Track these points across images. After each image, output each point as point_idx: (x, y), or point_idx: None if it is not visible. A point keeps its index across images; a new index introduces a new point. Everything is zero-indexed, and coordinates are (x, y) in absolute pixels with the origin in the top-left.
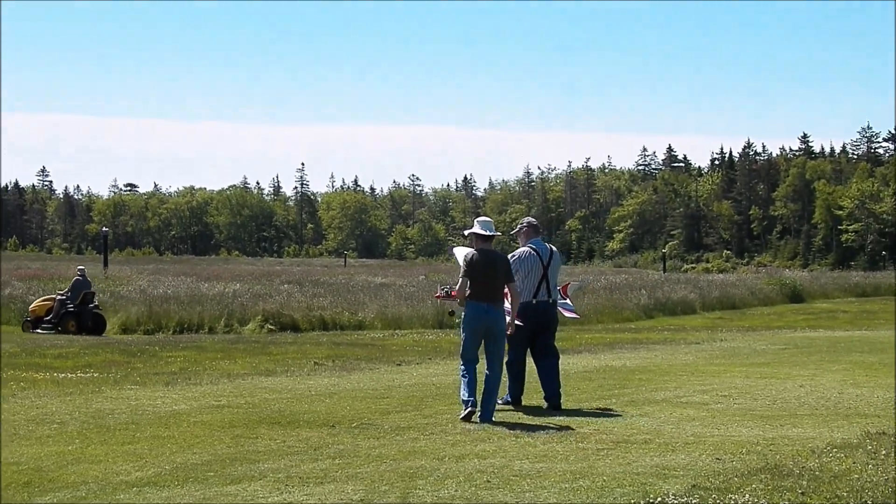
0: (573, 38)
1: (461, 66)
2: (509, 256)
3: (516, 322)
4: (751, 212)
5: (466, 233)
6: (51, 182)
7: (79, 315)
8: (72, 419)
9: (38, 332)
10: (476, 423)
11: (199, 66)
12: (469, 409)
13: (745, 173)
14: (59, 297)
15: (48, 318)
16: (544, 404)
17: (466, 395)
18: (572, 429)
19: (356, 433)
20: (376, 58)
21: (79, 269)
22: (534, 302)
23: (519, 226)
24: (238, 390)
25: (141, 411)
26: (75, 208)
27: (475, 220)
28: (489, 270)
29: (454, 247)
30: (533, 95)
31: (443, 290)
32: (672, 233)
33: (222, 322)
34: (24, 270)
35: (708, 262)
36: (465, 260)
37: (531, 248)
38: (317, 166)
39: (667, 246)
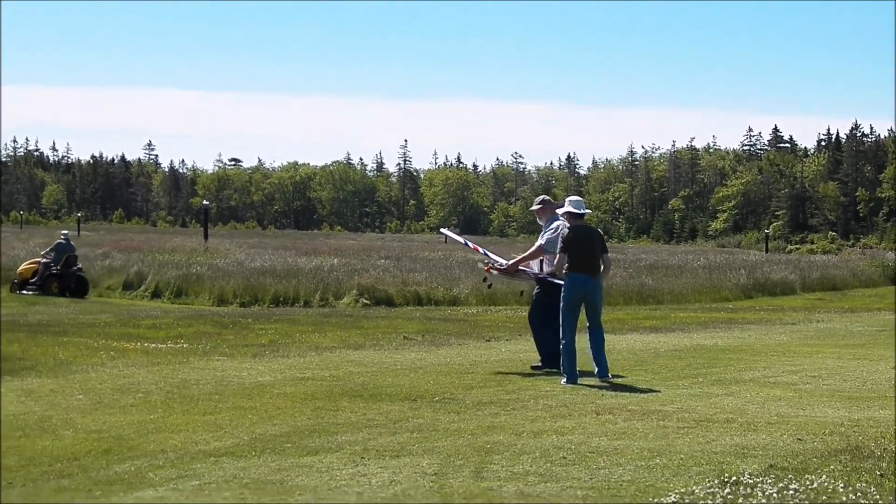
0: (679, 14)
1: (565, 41)
2: (554, 228)
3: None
4: (857, 193)
5: (560, 211)
6: (157, 156)
7: (62, 277)
8: (157, 389)
9: (23, 294)
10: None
11: (304, 40)
12: (572, 379)
13: (851, 155)
14: (43, 260)
15: (33, 280)
16: (639, 381)
17: (569, 365)
18: (655, 407)
19: (437, 407)
20: (481, 32)
21: (62, 234)
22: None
23: (545, 204)
24: (324, 363)
25: (226, 382)
26: (180, 182)
27: (567, 200)
28: (587, 244)
29: (443, 227)
30: (638, 73)
31: (492, 263)
32: (776, 213)
33: (317, 296)
34: (127, 242)
35: (812, 243)
36: (562, 236)
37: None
38: (420, 142)
39: (770, 227)
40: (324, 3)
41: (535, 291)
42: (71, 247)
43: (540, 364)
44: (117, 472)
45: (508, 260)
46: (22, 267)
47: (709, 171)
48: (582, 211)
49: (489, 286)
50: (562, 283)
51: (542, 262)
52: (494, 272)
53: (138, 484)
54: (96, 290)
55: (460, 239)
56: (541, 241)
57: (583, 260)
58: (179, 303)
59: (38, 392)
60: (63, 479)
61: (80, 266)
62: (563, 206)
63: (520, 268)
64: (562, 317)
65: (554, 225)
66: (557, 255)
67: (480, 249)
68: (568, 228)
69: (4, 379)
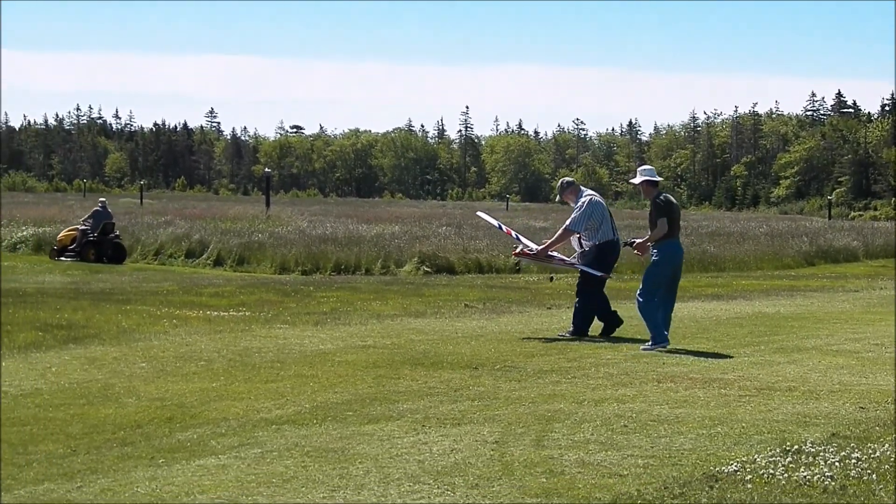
0: None
1: (627, 6)
2: (580, 206)
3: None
4: None
5: (637, 181)
6: (219, 123)
7: (99, 244)
8: (219, 357)
9: (61, 260)
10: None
11: (366, 6)
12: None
13: None
14: (81, 227)
15: (72, 246)
16: (700, 349)
17: (661, 327)
18: (717, 375)
19: (498, 375)
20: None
21: (100, 201)
22: (616, 240)
23: (567, 186)
24: (386, 331)
25: (287, 350)
26: (242, 150)
27: (639, 170)
28: (677, 210)
29: (478, 212)
30: (699, 38)
31: (522, 248)
32: (840, 179)
33: (379, 263)
34: (190, 210)
35: (876, 209)
36: (663, 202)
37: (592, 194)
38: (481, 109)
39: (833, 193)
40: None
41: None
42: (108, 214)
43: (568, 332)
44: (180, 440)
45: (539, 245)
46: (62, 234)
47: (771, 136)
48: (658, 178)
49: (518, 269)
50: (594, 273)
51: (580, 239)
52: (525, 257)
53: (200, 452)
54: (159, 258)
55: (494, 222)
56: (569, 224)
57: (677, 226)
58: (241, 271)
59: (101, 360)
60: (126, 447)
61: (117, 233)
62: (634, 176)
63: (549, 253)
64: (653, 281)
65: (580, 203)
66: (658, 221)
67: (513, 233)
68: (662, 195)
69: (69, 346)
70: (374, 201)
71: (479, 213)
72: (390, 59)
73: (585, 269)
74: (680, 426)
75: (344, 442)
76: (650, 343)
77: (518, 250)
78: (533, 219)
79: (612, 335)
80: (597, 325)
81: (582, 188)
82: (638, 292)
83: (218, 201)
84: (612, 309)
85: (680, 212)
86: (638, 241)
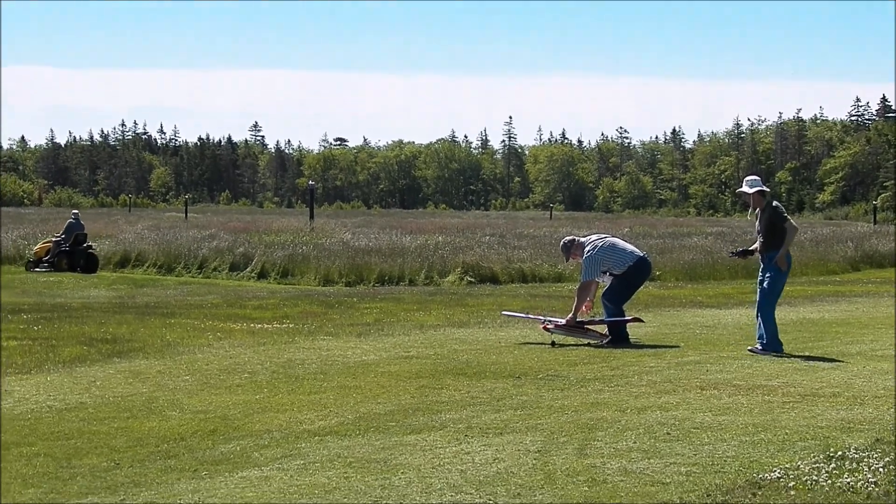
0: None
1: (669, 15)
2: (585, 259)
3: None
4: None
5: (750, 190)
6: (263, 137)
7: (71, 254)
8: (262, 369)
9: (36, 271)
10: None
11: (409, 19)
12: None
13: None
14: (55, 238)
15: (47, 258)
16: (745, 355)
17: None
18: (760, 382)
19: (541, 384)
20: (585, 8)
21: (73, 213)
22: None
23: (570, 246)
24: (429, 341)
25: (331, 362)
26: (286, 163)
27: (748, 180)
28: None
29: (504, 311)
30: (743, 44)
31: (548, 322)
32: (885, 184)
33: (422, 274)
34: (234, 223)
35: None
36: (783, 213)
37: (593, 241)
38: (525, 119)
39: (878, 198)
40: None
41: (611, 283)
42: (80, 225)
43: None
44: (223, 452)
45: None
46: (38, 246)
47: (816, 142)
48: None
49: (553, 344)
50: (626, 320)
51: (609, 273)
52: (554, 329)
53: (244, 464)
54: (203, 271)
55: (521, 314)
56: (583, 278)
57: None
58: (285, 283)
59: (145, 373)
60: (170, 460)
61: (90, 244)
62: (745, 187)
63: (578, 320)
64: (780, 289)
65: (585, 256)
66: (787, 226)
67: (540, 317)
68: (777, 205)
69: (113, 360)
70: (417, 212)
71: (503, 313)
72: (433, 71)
73: (614, 319)
74: (723, 433)
75: (386, 452)
76: (760, 347)
77: (545, 324)
78: (577, 227)
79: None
80: (644, 332)
81: (583, 240)
82: (763, 301)
83: (262, 214)
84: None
85: None
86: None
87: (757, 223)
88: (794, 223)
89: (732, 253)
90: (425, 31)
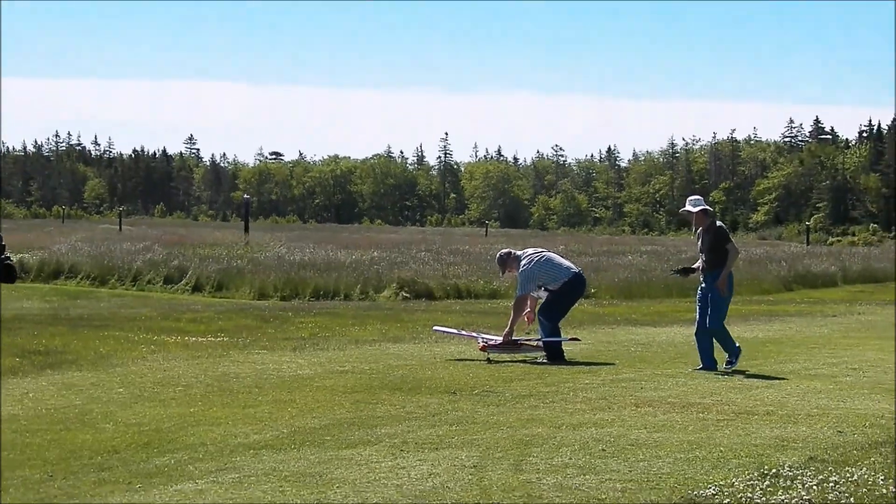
0: (718, 5)
1: (605, 34)
2: (520, 272)
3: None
4: None
5: (694, 209)
6: (198, 150)
7: None
8: (197, 382)
9: None
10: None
11: (345, 34)
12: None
13: (893, 145)
14: None
15: None
16: (679, 373)
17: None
18: (695, 400)
19: (476, 400)
20: (520, 25)
21: None
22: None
23: (507, 258)
24: (364, 356)
25: (266, 375)
26: (221, 176)
27: (691, 199)
28: None
29: (436, 326)
30: (676, 65)
31: (485, 342)
32: (818, 205)
33: (358, 289)
34: (169, 236)
35: (854, 235)
36: (727, 234)
37: (530, 255)
38: (460, 135)
39: (812, 219)
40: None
41: (546, 298)
42: None
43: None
44: (157, 465)
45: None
46: None
47: (750, 162)
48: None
49: (489, 360)
50: (563, 339)
51: (543, 289)
52: (492, 349)
53: (178, 477)
54: (137, 283)
55: (453, 331)
56: (518, 292)
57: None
58: (220, 296)
59: (78, 385)
60: (103, 472)
61: (7, 255)
62: (689, 206)
63: (518, 340)
64: (724, 310)
65: (520, 270)
66: (728, 246)
67: (474, 335)
68: (721, 225)
69: (46, 372)
70: (353, 227)
71: (435, 328)
72: (370, 86)
73: (550, 340)
74: (658, 450)
75: (322, 467)
76: (734, 359)
77: (482, 345)
78: (512, 244)
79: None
80: (579, 349)
81: (519, 253)
82: (713, 322)
83: (197, 227)
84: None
85: None
86: (723, 275)
87: (699, 242)
88: (735, 245)
89: (674, 271)
90: (361, 45)
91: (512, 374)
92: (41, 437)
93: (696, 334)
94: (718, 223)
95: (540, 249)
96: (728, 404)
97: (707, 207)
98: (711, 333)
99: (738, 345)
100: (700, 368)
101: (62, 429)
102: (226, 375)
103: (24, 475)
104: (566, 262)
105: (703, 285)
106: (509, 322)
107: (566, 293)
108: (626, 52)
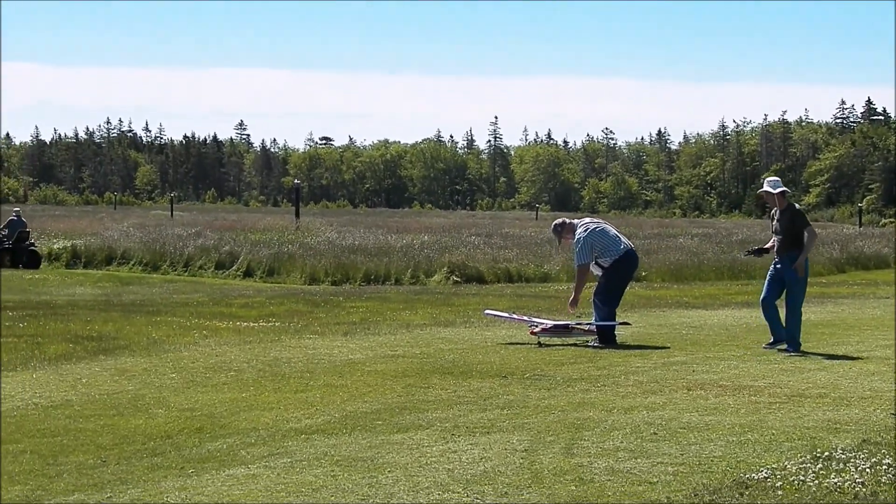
0: None
1: (656, 16)
2: (577, 241)
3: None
4: None
5: (775, 190)
6: (248, 136)
7: (13, 251)
8: (249, 367)
9: None
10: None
11: (394, 20)
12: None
13: None
14: None
15: None
16: (731, 356)
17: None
18: (747, 382)
19: (527, 384)
20: (572, 8)
21: (14, 210)
22: (626, 251)
23: (561, 228)
24: (415, 340)
25: (317, 360)
26: (272, 161)
27: (770, 181)
28: None
29: (487, 310)
30: (728, 46)
31: (534, 326)
32: (870, 187)
33: (408, 273)
34: (220, 222)
35: None
36: (804, 217)
37: (586, 224)
38: (510, 119)
39: (864, 200)
40: None
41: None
42: (23, 223)
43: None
44: (209, 450)
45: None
46: None
47: (801, 144)
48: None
49: (540, 344)
50: (613, 324)
51: (597, 263)
52: (544, 333)
53: (230, 461)
54: (189, 269)
55: (504, 314)
56: (578, 261)
57: None
58: (271, 282)
59: (131, 371)
60: (156, 457)
61: (32, 241)
62: (767, 187)
63: (569, 325)
64: (801, 293)
65: (577, 238)
66: (807, 230)
67: (525, 318)
68: (799, 208)
69: (99, 358)
70: (403, 212)
71: (486, 312)
72: (419, 71)
73: (601, 324)
74: (710, 433)
75: (373, 451)
76: (790, 349)
77: (535, 329)
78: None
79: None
80: (630, 333)
81: (575, 222)
82: (790, 306)
83: (248, 213)
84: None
85: None
86: (799, 259)
87: (775, 223)
88: (814, 229)
89: (748, 251)
90: (411, 30)
91: (563, 358)
92: (94, 423)
93: (762, 309)
94: (797, 206)
95: (597, 220)
96: (780, 387)
97: (785, 189)
98: (789, 315)
99: (800, 341)
100: (771, 343)
101: (115, 414)
102: (277, 360)
103: (77, 461)
104: (620, 236)
105: (778, 265)
106: (574, 291)
107: (618, 272)
108: (676, 34)
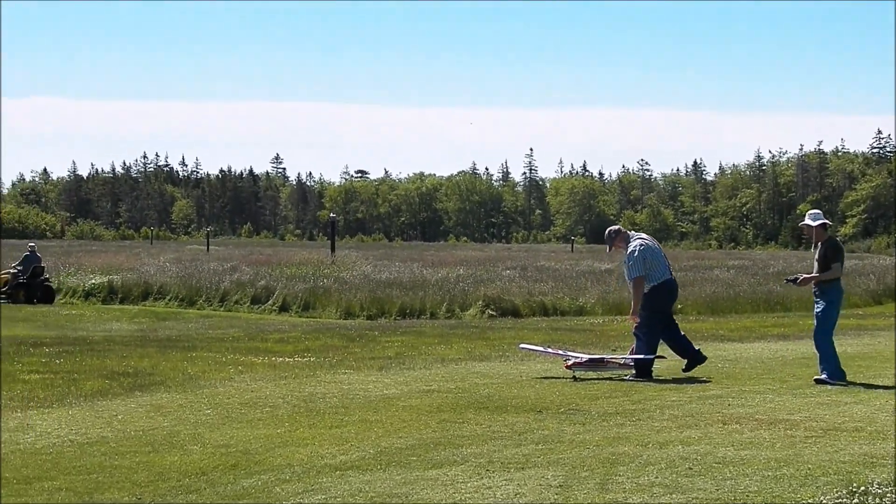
0: (806, 16)
1: (690, 47)
2: (632, 252)
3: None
4: None
5: (814, 223)
6: (284, 169)
7: (28, 286)
8: (284, 402)
9: None
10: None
11: (429, 52)
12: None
13: None
14: (12, 271)
15: (4, 289)
16: (767, 389)
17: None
18: (783, 416)
19: (562, 418)
20: (606, 40)
21: (29, 245)
22: (670, 279)
23: (615, 235)
24: (450, 375)
25: (352, 395)
26: (307, 195)
27: (811, 213)
28: (843, 256)
29: (522, 344)
30: (764, 77)
31: (569, 360)
32: None
33: (444, 307)
34: (256, 256)
35: None
36: (837, 246)
37: (642, 238)
38: (546, 151)
39: None
40: (450, 13)
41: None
42: (37, 258)
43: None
44: (244, 487)
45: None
46: None
47: (837, 175)
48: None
49: (575, 378)
50: (648, 357)
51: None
52: (578, 367)
53: (265, 498)
54: (225, 304)
55: (539, 348)
56: (632, 274)
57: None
58: (307, 316)
59: (167, 407)
60: (191, 494)
61: (47, 276)
62: (803, 220)
63: (605, 358)
64: (830, 320)
65: (631, 249)
66: (833, 265)
67: (560, 352)
68: (835, 239)
69: (135, 394)
70: (439, 245)
71: (521, 346)
72: (453, 103)
73: (636, 357)
74: (745, 468)
75: (408, 487)
76: (825, 375)
77: (570, 363)
78: (598, 261)
79: (687, 374)
80: (665, 366)
81: (630, 233)
82: (815, 331)
83: (283, 247)
84: (696, 347)
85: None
86: (804, 276)
87: (816, 253)
88: (841, 267)
89: (788, 280)
90: (445, 62)
91: (598, 392)
92: (130, 460)
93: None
94: (833, 239)
95: (652, 239)
96: (816, 420)
97: (826, 222)
98: (816, 345)
99: (842, 370)
100: (821, 378)
101: (150, 451)
102: (312, 396)
103: (113, 498)
104: (665, 262)
105: (817, 297)
106: (633, 303)
107: (657, 302)
108: (711, 64)
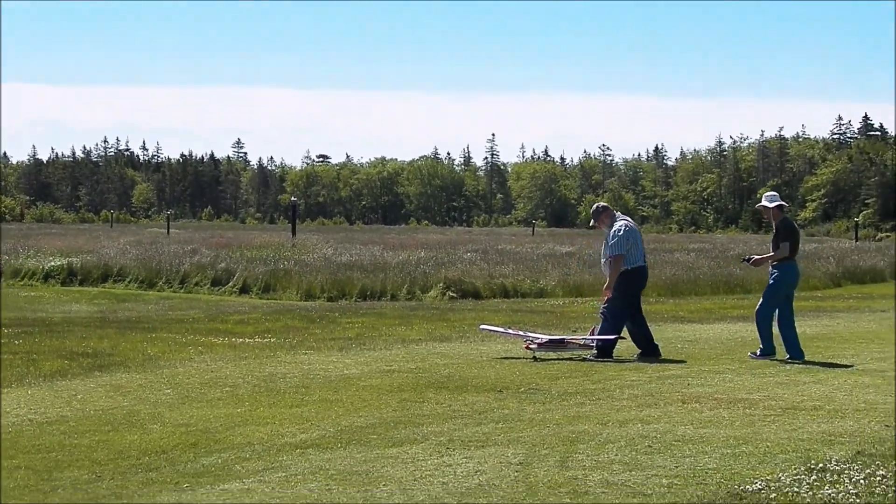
0: (766, 4)
1: (653, 33)
2: (617, 230)
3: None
4: None
5: (771, 204)
6: (245, 154)
7: None
8: (244, 382)
9: None
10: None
11: (391, 37)
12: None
13: None
14: None
15: None
16: (726, 369)
17: (772, 341)
18: (742, 395)
19: (522, 398)
20: (567, 26)
21: None
22: (645, 265)
23: (602, 211)
24: (410, 355)
25: (312, 376)
26: (269, 179)
27: (768, 195)
28: (798, 235)
29: (482, 325)
30: (725, 62)
31: (530, 340)
32: (866, 202)
33: (404, 289)
34: (217, 239)
35: None
36: (787, 227)
37: (626, 219)
38: (507, 136)
39: (860, 215)
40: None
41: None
42: None
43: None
44: (204, 465)
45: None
46: None
47: (798, 160)
48: (786, 204)
49: (535, 358)
50: (609, 338)
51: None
52: (540, 348)
53: (225, 476)
54: (185, 286)
55: (499, 329)
56: (613, 251)
57: (796, 249)
58: (267, 298)
59: (126, 387)
60: (151, 472)
61: None
62: (765, 202)
63: (565, 339)
64: (773, 298)
65: (617, 227)
66: (781, 244)
67: (520, 333)
68: (787, 220)
69: (94, 374)
70: (400, 228)
71: (481, 327)
72: (416, 88)
73: (599, 338)
74: (704, 446)
75: (368, 465)
76: (758, 353)
77: (532, 343)
78: (559, 244)
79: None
80: (626, 346)
81: (616, 213)
82: (757, 308)
83: (244, 230)
84: (654, 342)
85: (799, 236)
86: (757, 257)
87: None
88: (789, 247)
89: (744, 259)
90: (408, 48)
91: (558, 372)
92: (89, 438)
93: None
94: (786, 220)
95: (632, 223)
96: (775, 399)
97: (783, 203)
98: (756, 320)
99: (774, 346)
100: (787, 359)
101: (110, 430)
102: (272, 376)
103: (72, 476)
104: (643, 249)
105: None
106: (609, 278)
107: (630, 286)
108: (672, 51)
